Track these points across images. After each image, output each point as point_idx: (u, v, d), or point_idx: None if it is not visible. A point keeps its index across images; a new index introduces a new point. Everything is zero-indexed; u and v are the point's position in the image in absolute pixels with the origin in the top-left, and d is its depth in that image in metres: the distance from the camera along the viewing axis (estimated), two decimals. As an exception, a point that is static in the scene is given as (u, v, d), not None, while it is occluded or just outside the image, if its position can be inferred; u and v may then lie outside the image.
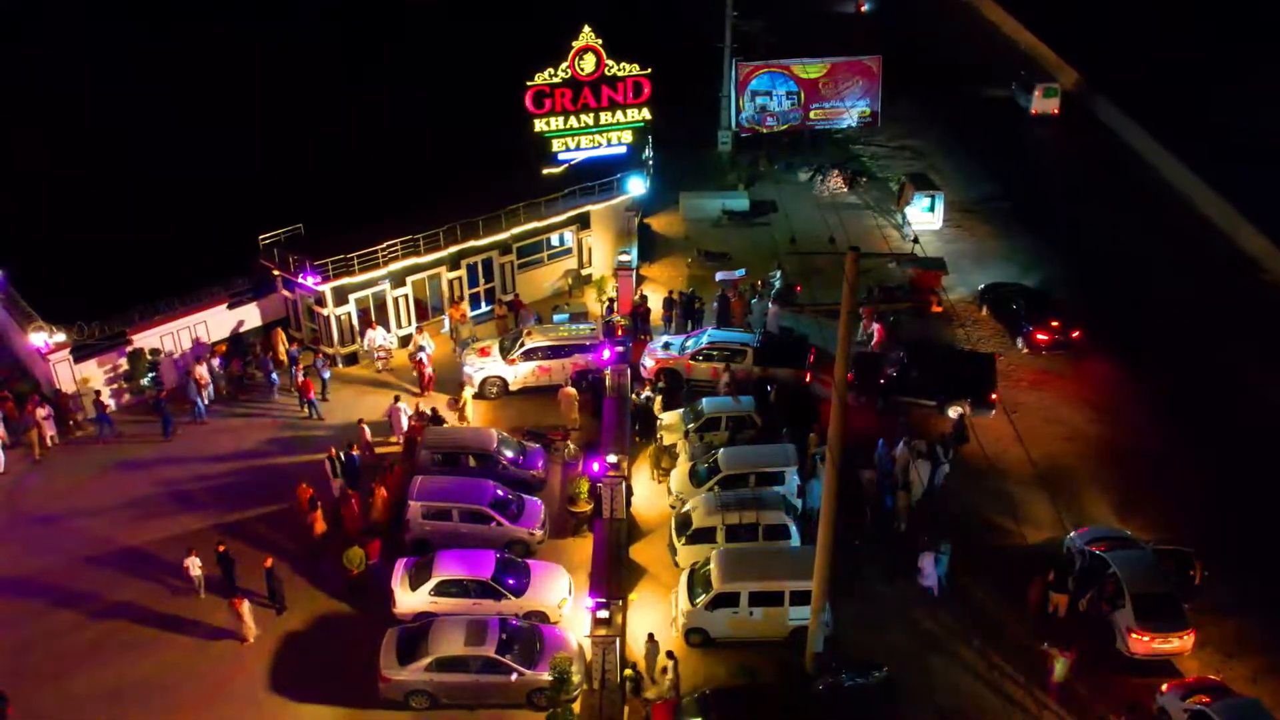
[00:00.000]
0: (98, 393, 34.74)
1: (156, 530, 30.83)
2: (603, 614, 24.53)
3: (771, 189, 50.05)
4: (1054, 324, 37.94)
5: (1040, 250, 44.64)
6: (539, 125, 40.90)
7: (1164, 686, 25.18)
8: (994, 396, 34.76)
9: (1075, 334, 37.90)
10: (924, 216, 45.93)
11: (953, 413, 34.75)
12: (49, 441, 33.89)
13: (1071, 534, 29.52)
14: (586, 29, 39.75)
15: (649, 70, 41.06)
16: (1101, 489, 32.31)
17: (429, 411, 33.95)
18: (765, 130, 51.28)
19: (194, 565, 28.56)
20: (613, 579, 26.84)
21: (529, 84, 40.02)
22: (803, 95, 50.42)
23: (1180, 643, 26.28)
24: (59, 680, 26.37)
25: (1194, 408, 35.23)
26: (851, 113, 51.40)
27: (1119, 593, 26.78)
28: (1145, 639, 26.14)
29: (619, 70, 40.72)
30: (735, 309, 39.47)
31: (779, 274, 40.69)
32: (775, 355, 36.24)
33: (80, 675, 26.48)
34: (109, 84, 54.28)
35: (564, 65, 40.03)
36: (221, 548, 28.35)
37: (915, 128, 55.86)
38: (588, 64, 40.25)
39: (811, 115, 51.05)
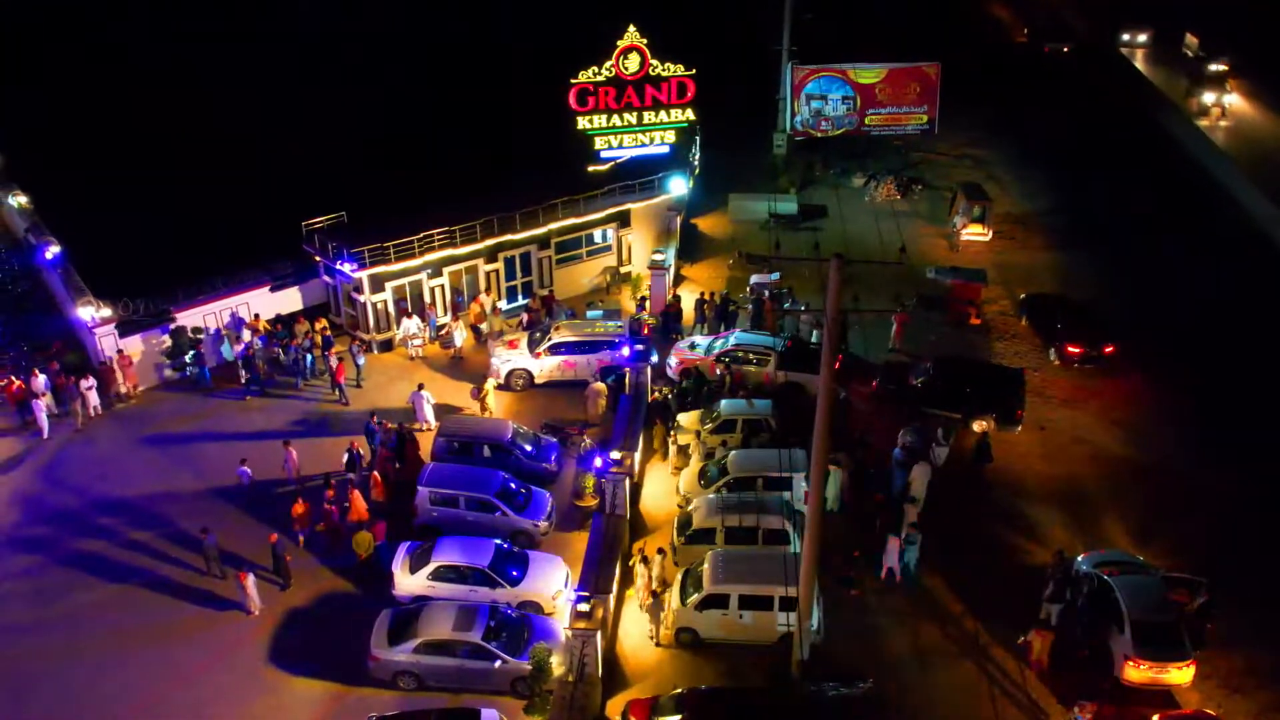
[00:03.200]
0: (197, 344, 36.70)
1: (179, 501, 31.95)
2: (583, 607, 24.75)
3: (824, 194, 49.84)
4: (1085, 337, 37.32)
5: (1094, 266, 43.63)
6: (582, 123, 41.42)
7: (1155, 718, 24.51)
8: (1020, 413, 34.14)
9: (1108, 349, 37.09)
10: (974, 227, 45.22)
11: (977, 427, 34.23)
12: (92, 412, 35.37)
13: (1080, 556, 28.84)
14: (631, 28, 40.14)
15: (693, 71, 41.22)
16: (1122, 512, 31.43)
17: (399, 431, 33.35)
18: (819, 134, 50.98)
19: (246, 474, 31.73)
20: (603, 574, 27.00)
21: (573, 81, 40.54)
22: (858, 100, 49.97)
23: (1179, 674, 25.46)
24: (68, 636, 27.53)
25: (1231, 436, 34.06)
26: (908, 120, 50.74)
27: (1106, 617, 26.24)
28: (1142, 667, 25.40)
29: (663, 70, 41.01)
30: (769, 313, 39.36)
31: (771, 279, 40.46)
32: (800, 360, 36.06)
33: (90, 635, 27.57)
34: (175, 71, 56.54)
35: (608, 64, 40.48)
36: (203, 533, 29.21)
37: (981, 136, 55.10)
38: (632, 63, 40.63)
39: (867, 121, 50.58)
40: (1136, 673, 25.48)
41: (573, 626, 24.73)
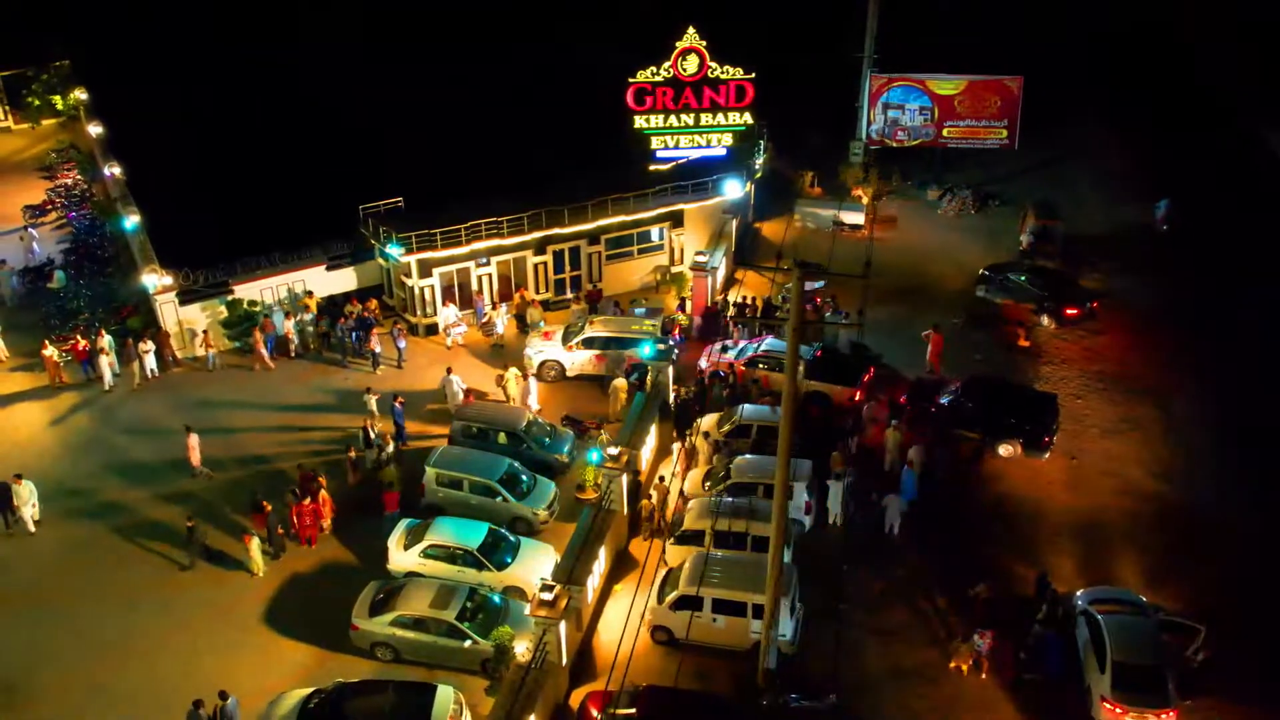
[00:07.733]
0: (265, 318, 38.60)
1: (210, 465, 33.53)
2: (546, 595, 25.15)
3: (898, 204, 49.03)
4: (1076, 297, 40.12)
5: (1161, 291, 41.95)
6: (639, 122, 41.77)
7: None
8: (1047, 439, 33.13)
9: (1094, 305, 40.14)
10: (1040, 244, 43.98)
11: (1003, 452, 33.40)
12: (149, 375, 37.45)
13: (1079, 591, 27.92)
14: (690, 30, 40.37)
15: (752, 75, 41.15)
16: (1141, 551, 30.17)
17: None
18: (895, 144, 50.01)
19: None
20: (581, 565, 27.35)
21: (631, 81, 40.94)
22: (936, 111, 48.85)
23: (1157, 721, 24.51)
24: (87, 578, 29.50)
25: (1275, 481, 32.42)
26: (987, 134, 49.37)
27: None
28: (1117, 711, 24.49)
29: (722, 73, 41.03)
30: (810, 320, 38.99)
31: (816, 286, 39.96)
32: (828, 370, 35.73)
33: (107, 579, 29.44)
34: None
35: (666, 65, 40.72)
36: (190, 521, 30.19)
37: (1071, 153, 53.31)
38: (690, 65, 40.83)
39: (945, 133, 49.36)
40: (1111, 716, 24.60)
41: (534, 614, 25.16)
